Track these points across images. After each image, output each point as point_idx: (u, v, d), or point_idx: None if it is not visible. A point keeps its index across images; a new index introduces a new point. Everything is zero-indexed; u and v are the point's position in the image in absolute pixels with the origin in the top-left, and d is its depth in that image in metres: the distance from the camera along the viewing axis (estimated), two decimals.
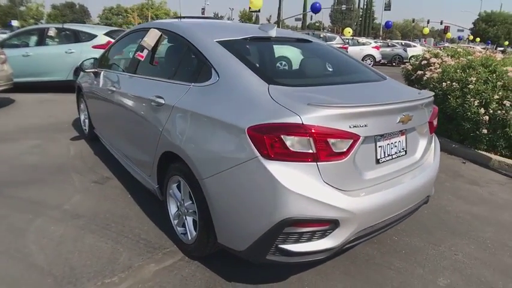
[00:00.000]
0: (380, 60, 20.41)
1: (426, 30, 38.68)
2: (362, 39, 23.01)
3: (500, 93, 4.06)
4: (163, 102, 2.25)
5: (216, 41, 2.23)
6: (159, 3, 54.74)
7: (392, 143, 1.96)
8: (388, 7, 44.68)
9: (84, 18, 60.36)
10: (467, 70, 4.49)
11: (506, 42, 47.66)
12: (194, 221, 2.16)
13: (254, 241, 1.72)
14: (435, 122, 2.30)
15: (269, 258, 1.74)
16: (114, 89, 3.03)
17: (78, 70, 4.03)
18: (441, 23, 46.78)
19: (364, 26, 50.19)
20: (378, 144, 1.87)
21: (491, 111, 4.07)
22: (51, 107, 6.38)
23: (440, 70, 4.84)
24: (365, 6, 52.45)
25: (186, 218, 2.22)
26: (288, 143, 1.59)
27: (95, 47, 7.10)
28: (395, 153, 1.99)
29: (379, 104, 1.77)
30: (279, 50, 2.80)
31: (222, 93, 1.93)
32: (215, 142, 1.84)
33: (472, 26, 56.03)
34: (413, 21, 64.13)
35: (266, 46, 2.54)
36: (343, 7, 56.45)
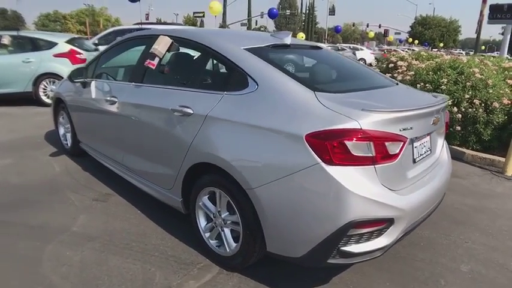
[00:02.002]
0: None
1: (371, 34, 41.36)
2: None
3: (470, 92, 4.49)
4: (192, 112, 2.18)
5: (244, 49, 2.22)
6: (99, 9, 52.48)
7: (422, 143, 2.09)
8: (332, 12, 46.96)
9: (18, 25, 55.63)
10: (438, 72, 4.91)
11: (441, 44, 52.58)
12: (233, 232, 2.12)
13: (314, 246, 1.73)
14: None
15: (330, 262, 1.77)
16: (115, 99, 2.85)
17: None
18: (379, 26, 49.95)
19: (307, 30, 52.12)
20: (414, 144, 1.99)
21: (463, 109, 4.48)
22: (11, 121, 5.79)
23: (412, 73, 5.23)
24: (307, 11, 54.61)
25: (223, 230, 2.16)
26: (350, 148, 1.64)
27: (56, 55, 6.60)
28: (425, 152, 2.13)
29: (421, 108, 1.90)
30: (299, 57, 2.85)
31: (265, 101, 1.93)
32: (265, 150, 1.82)
33: (409, 29, 61.08)
34: (353, 25, 67.61)
35: (289, 53, 2.57)
36: (288, 12, 58.20)
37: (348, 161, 1.66)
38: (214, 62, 2.28)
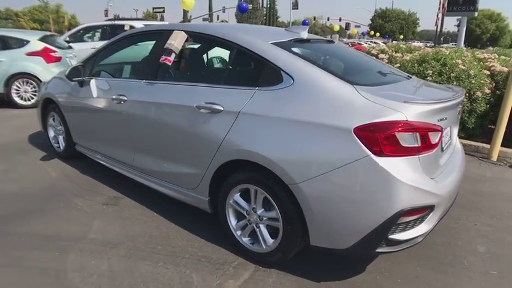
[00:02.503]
0: None
1: (336, 28, 42.24)
2: None
3: (454, 83, 4.74)
4: (221, 108, 2.12)
5: (272, 44, 2.19)
6: (54, 6, 49.74)
7: (446, 133, 2.19)
8: (295, 6, 47.42)
9: None
10: (423, 64, 5.13)
11: (401, 36, 54.86)
12: (269, 228, 2.11)
13: (363, 237, 1.77)
14: None
15: (378, 251, 1.81)
16: (123, 98, 2.71)
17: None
18: (340, 19, 50.97)
19: (269, 24, 52.44)
20: (442, 134, 2.07)
21: None
22: None
23: (398, 65, 5.42)
24: (268, 6, 54.79)
25: (258, 227, 2.14)
26: (399, 139, 1.68)
27: (29, 54, 6.14)
28: (448, 141, 2.22)
29: (452, 99, 1.98)
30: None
31: (303, 96, 1.92)
32: (309, 145, 1.82)
33: (370, 22, 63.17)
34: (314, 18, 68.56)
35: (312, 48, 2.56)
36: (250, 6, 58.06)
37: (396, 152, 1.70)
38: (241, 57, 2.23)
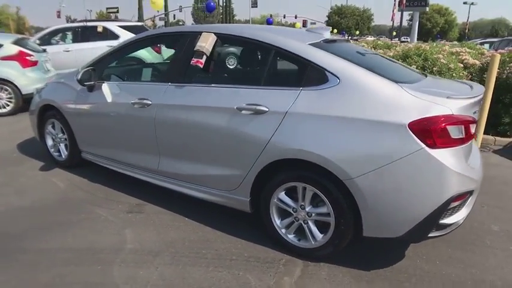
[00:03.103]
0: None
1: (298, 25, 43.00)
2: None
3: (437, 76, 5.07)
4: (266, 109, 2.14)
5: (309, 44, 2.24)
6: (15, 8, 46.50)
7: None
8: (254, 4, 47.58)
9: None
10: (406, 59, 5.42)
11: (357, 32, 57.03)
12: (319, 224, 2.17)
13: (417, 223, 1.88)
14: None
15: (429, 236, 1.94)
16: (147, 102, 2.63)
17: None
18: (296, 17, 51.73)
19: (225, 22, 52.38)
20: None
21: None
22: None
23: None
24: (224, 4, 54.74)
25: (307, 223, 2.19)
26: (450, 132, 1.81)
27: (3, 58, 5.68)
28: None
29: (480, 94, 2.14)
30: None
31: (352, 94, 1.99)
32: (363, 141, 1.90)
33: (326, 19, 64.94)
34: (270, 16, 68.91)
35: (342, 47, 2.62)
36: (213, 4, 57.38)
37: (447, 144, 1.83)
38: (281, 59, 2.26)
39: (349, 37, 46.69)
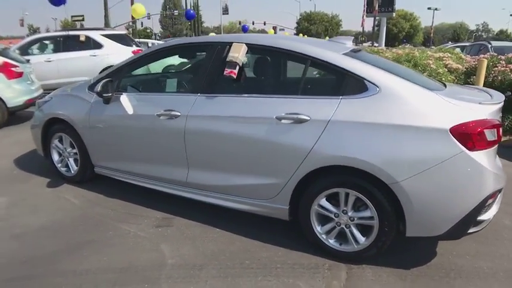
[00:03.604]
0: None
1: (272, 31, 43.64)
2: None
3: None
4: (308, 118, 2.19)
5: (343, 54, 2.32)
6: None
7: None
8: (226, 11, 47.81)
9: None
10: None
11: (327, 37, 58.60)
12: (360, 227, 2.24)
13: (459, 221, 2.00)
14: None
15: (468, 232, 2.07)
16: (176, 113, 2.60)
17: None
18: (264, 23, 52.44)
19: (194, 30, 52.14)
20: None
21: None
22: None
23: None
24: (192, 11, 54.61)
25: (349, 227, 2.25)
26: (486, 135, 1.95)
27: None
28: None
29: (503, 100, 2.31)
30: None
31: (392, 102, 2.09)
32: (406, 146, 2.00)
33: (296, 25, 66.31)
34: (239, 23, 69.41)
35: (368, 56, 2.72)
36: (176, 12, 57.16)
37: (484, 146, 1.97)
38: (317, 69, 2.32)
39: None
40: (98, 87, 2.79)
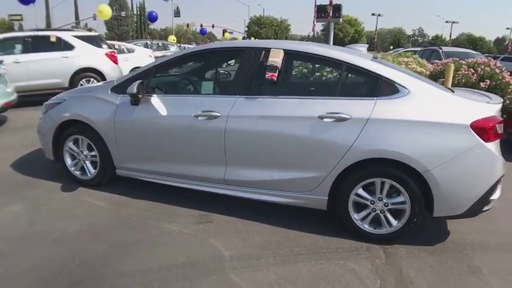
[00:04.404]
0: None
1: (227, 35, 43.64)
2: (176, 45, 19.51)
3: None
4: (348, 117, 2.47)
5: (371, 60, 2.64)
6: None
7: None
8: (177, 14, 47.04)
9: None
10: None
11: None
12: (393, 212, 2.56)
13: (477, 200, 2.41)
14: None
15: (483, 210, 2.48)
16: (216, 114, 2.73)
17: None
18: (213, 26, 52.30)
19: (140, 31, 50.59)
20: None
21: None
22: None
23: None
24: (138, 12, 52.85)
25: (383, 212, 2.56)
26: (497, 129, 2.38)
27: None
28: None
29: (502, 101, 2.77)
30: None
31: (421, 102, 2.44)
32: (435, 139, 2.36)
33: (246, 29, 66.96)
34: (187, 25, 68.63)
35: (384, 61, 3.05)
36: (123, 13, 55.13)
37: (495, 138, 2.40)
38: (351, 73, 2.60)
39: None
40: (133, 89, 2.81)
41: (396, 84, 2.51)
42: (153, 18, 21.22)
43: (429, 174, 2.37)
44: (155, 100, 2.94)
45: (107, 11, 14.37)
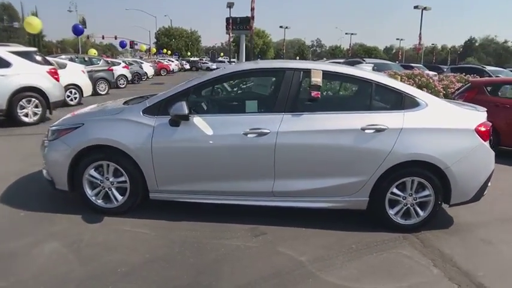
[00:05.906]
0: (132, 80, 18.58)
1: (143, 47, 41.63)
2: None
3: None
4: (386, 127, 2.93)
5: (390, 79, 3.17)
6: None
7: None
8: (84, 25, 43.44)
9: None
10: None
11: (189, 53, 59.65)
12: (420, 205, 3.10)
13: (479, 188, 3.11)
14: None
15: (483, 194, 3.19)
16: (265, 131, 2.91)
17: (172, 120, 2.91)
18: (115, 38, 49.83)
19: (33, 44, 45.68)
20: None
21: None
22: None
23: None
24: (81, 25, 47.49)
25: (413, 205, 3.08)
26: (490, 131, 3.12)
27: None
28: None
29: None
30: None
31: (437, 112, 3.06)
32: (451, 141, 2.99)
33: (155, 40, 64.86)
34: (87, 37, 64.20)
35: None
36: (16, 24, 48.64)
37: (488, 138, 3.13)
38: (380, 91, 3.08)
39: (179, 58, 47.42)
40: (184, 110, 2.80)
41: (416, 99, 3.08)
42: (79, 31, 19.29)
43: (449, 170, 2.98)
44: (198, 120, 2.97)
45: (37, 24, 12.50)
